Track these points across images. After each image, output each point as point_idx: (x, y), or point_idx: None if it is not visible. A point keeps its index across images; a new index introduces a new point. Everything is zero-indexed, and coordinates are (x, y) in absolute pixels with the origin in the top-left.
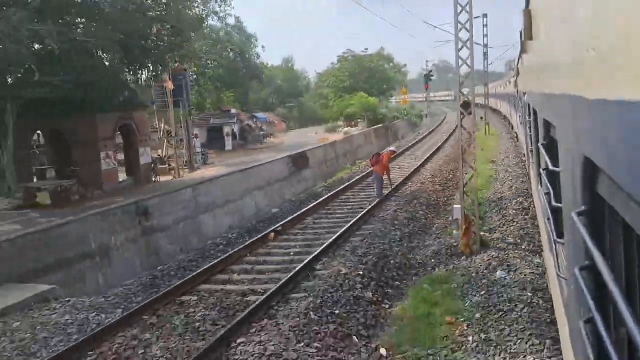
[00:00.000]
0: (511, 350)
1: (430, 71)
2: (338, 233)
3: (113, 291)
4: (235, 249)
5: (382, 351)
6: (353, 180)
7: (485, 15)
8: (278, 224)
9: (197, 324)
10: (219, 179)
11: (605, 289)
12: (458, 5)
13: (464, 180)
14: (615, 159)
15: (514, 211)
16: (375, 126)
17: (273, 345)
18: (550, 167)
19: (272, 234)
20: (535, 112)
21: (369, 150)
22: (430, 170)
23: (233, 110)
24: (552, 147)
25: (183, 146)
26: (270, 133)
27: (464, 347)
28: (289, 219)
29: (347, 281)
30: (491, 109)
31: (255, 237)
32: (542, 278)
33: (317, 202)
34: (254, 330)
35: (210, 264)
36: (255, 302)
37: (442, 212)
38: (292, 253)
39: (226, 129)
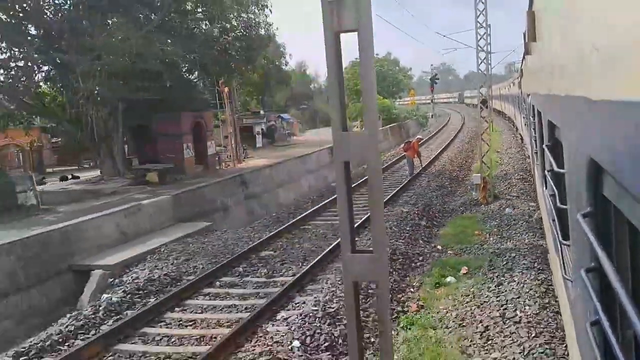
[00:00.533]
0: (515, 240)
1: (436, 75)
2: (391, 194)
3: (249, 226)
4: (320, 204)
5: (439, 247)
6: (384, 166)
7: (489, 26)
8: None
9: (318, 234)
10: (281, 164)
11: (611, 291)
12: (477, 23)
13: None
14: (620, 161)
15: (516, 180)
16: (389, 125)
17: (389, 224)
18: (555, 168)
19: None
20: (539, 114)
21: (387, 145)
22: (447, 158)
23: (261, 112)
24: (556, 149)
25: (231, 141)
26: (293, 132)
27: (487, 243)
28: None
29: (408, 216)
30: (496, 110)
31: (322, 203)
32: (535, 212)
33: (359, 181)
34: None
35: (305, 213)
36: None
37: (462, 183)
38: (361, 205)
39: (257, 129)
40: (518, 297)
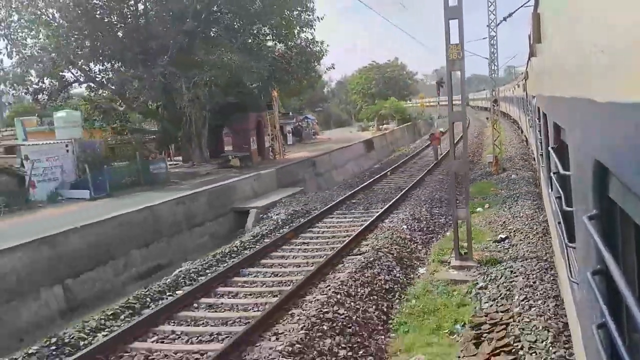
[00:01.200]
0: (518, 190)
1: (442, 79)
2: (428, 169)
3: (329, 190)
4: (373, 179)
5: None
6: (410, 155)
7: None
8: (385, 171)
9: (383, 192)
10: (328, 154)
11: (618, 293)
12: (491, 36)
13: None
14: (626, 162)
15: (518, 160)
16: (405, 124)
17: (436, 186)
18: (561, 170)
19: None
20: (544, 116)
21: (405, 141)
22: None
23: (290, 113)
24: (562, 151)
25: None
26: (316, 132)
27: (500, 194)
28: (387, 170)
29: (444, 180)
30: (500, 112)
31: (374, 178)
32: (532, 176)
33: (396, 164)
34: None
35: (365, 183)
36: (397, 194)
37: (477, 164)
38: (399, 183)
39: (287, 128)
40: (521, 210)
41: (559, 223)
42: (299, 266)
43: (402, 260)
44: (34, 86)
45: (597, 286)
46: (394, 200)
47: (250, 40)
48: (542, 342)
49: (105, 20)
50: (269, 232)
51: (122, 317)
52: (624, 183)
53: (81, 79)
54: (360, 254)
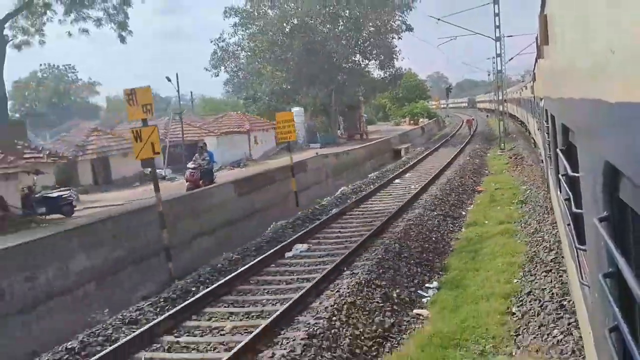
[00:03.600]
0: (524, 150)
1: (450, 85)
2: (469, 136)
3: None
4: (443, 140)
5: (488, 154)
6: (452, 133)
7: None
8: (447, 137)
9: (455, 144)
10: (406, 132)
11: (630, 296)
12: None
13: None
14: (637, 163)
15: (517, 136)
16: (432, 119)
17: (472, 152)
18: (570, 172)
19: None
20: (552, 117)
21: (434, 130)
22: (479, 135)
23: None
24: (571, 153)
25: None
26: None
27: (508, 155)
28: (447, 137)
29: (477, 147)
30: (509, 115)
31: (443, 140)
32: (529, 148)
33: (444, 140)
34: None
35: (442, 142)
36: (465, 140)
37: (492, 143)
38: (459, 139)
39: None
40: (524, 156)
41: (569, 225)
42: (427, 171)
43: (480, 158)
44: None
45: (609, 289)
46: (464, 143)
47: (362, 66)
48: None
49: (319, 57)
50: (413, 157)
51: None
52: (635, 184)
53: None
54: (456, 163)
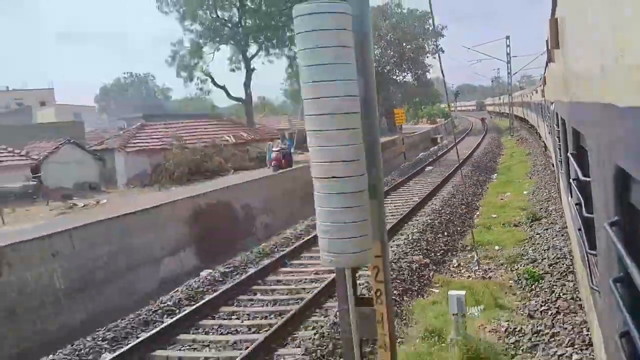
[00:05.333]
0: (525, 135)
1: (458, 90)
2: (484, 131)
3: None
4: (466, 132)
5: (502, 139)
6: (467, 132)
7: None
8: (467, 131)
9: (476, 134)
10: (436, 127)
11: None
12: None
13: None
14: None
15: (519, 128)
16: (448, 119)
17: (491, 139)
18: (581, 177)
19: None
20: (563, 121)
21: (450, 128)
22: (490, 130)
23: None
24: (581, 157)
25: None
26: None
27: (515, 139)
28: (467, 130)
29: (495, 136)
30: (518, 117)
31: (466, 132)
32: (531, 135)
33: (465, 133)
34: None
35: (466, 133)
36: (481, 135)
37: (503, 133)
38: (476, 132)
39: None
40: (527, 139)
41: (579, 230)
42: (467, 147)
43: (497, 141)
44: None
45: (620, 294)
46: (483, 133)
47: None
48: None
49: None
50: (448, 143)
51: None
52: None
53: None
54: (483, 143)
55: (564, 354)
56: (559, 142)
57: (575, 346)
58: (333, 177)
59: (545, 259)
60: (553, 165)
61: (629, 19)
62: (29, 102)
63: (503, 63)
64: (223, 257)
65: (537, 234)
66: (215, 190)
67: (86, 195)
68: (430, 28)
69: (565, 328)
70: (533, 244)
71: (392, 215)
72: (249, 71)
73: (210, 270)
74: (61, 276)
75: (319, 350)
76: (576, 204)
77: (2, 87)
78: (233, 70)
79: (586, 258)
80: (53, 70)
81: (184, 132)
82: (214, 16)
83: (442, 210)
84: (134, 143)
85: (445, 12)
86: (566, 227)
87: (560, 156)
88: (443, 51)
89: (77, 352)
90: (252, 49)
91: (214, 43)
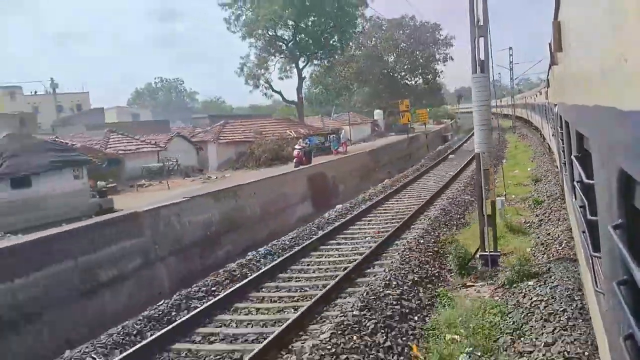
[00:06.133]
0: (525, 130)
1: (461, 96)
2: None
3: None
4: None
5: (506, 136)
6: (474, 130)
7: (511, 57)
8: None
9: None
10: (445, 126)
11: None
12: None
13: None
14: None
15: (521, 127)
16: (453, 120)
17: (496, 138)
18: (585, 179)
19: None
20: (567, 124)
21: (455, 128)
22: (496, 129)
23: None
24: (585, 159)
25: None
26: None
27: (519, 133)
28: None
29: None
30: (522, 119)
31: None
32: (532, 133)
33: (472, 132)
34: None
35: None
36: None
37: (507, 131)
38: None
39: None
40: (527, 135)
41: (583, 232)
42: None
43: (501, 137)
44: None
45: (624, 296)
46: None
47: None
48: None
49: (389, 78)
50: (458, 140)
51: None
52: None
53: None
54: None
55: (554, 229)
56: (563, 144)
57: (558, 225)
58: None
59: (543, 195)
60: (557, 167)
61: (632, 22)
62: (66, 105)
63: (504, 68)
64: (326, 208)
65: (538, 187)
66: (311, 166)
67: (197, 174)
68: (441, 38)
69: (554, 218)
70: (536, 190)
71: (443, 178)
72: (300, 78)
73: (341, 205)
74: (257, 206)
75: (425, 235)
76: (580, 207)
77: (39, 89)
78: (281, 78)
79: (590, 260)
80: (55, 71)
81: (259, 128)
82: (272, 34)
83: (466, 189)
84: (223, 137)
85: (453, 21)
86: (557, 181)
87: (564, 158)
88: (452, 59)
89: (280, 243)
90: (301, 60)
91: (274, 56)
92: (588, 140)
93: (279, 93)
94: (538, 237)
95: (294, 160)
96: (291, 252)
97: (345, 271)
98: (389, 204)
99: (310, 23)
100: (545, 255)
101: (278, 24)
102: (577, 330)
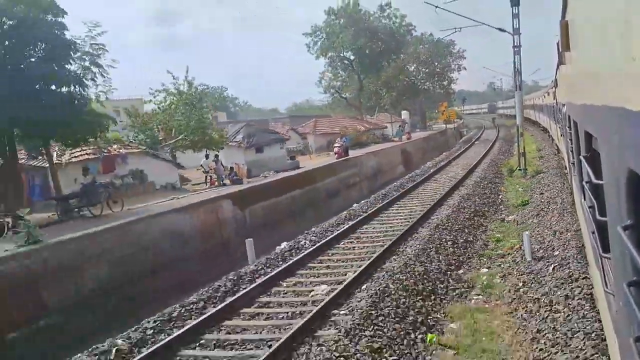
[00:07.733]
0: (534, 128)
1: (464, 97)
2: (498, 130)
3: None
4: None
5: (512, 130)
6: (483, 129)
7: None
8: (483, 129)
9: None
10: (456, 126)
11: None
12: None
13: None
14: None
15: (527, 126)
16: (461, 120)
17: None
18: (593, 179)
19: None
20: (575, 124)
21: (465, 126)
22: (503, 127)
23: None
24: (594, 160)
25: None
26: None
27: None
28: (485, 128)
29: (504, 130)
30: (530, 120)
31: (483, 129)
32: (535, 130)
33: (482, 131)
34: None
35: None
36: (495, 137)
37: (513, 128)
38: (492, 128)
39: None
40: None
41: (593, 233)
42: (488, 137)
43: (509, 134)
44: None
45: (634, 297)
46: (498, 130)
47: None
48: None
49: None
50: (472, 136)
51: None
52: None
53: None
54: (500, 135)
55: (550, 163)
56: (571, 144)
57: (551, 160)
58: None
59: (546, 166)
60: (566, 168)
61: (638, 21)
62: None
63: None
64: (410, 170)
65: (542, 161)
66: (401, 144)
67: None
68: (454, 51)
69: (550, 159)
70: (542, 163)
71: (480, 152)
72: (362, 89)
73: (430, 162)
74: (383, 164)
75: (487, 168)
76: (589, 207)
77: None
78: (342, 87)
79: (600, 261)
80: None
81: (341, 124)
82: (341, 55)
83: (498, 155)
84: (318, 129)
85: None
86: (557, 152)
87: (573, 158)
88: (465, 69)
89: (393, 186)
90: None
91: (342, 72)
92: (597, 141)
93: (345, 99)
94: (542, 165)
95: (335, 155)
96: (404, 190)
97: (445, 191)
98: (451, 166)
99: (365, 47)
100: (545, 167)
101: (345, 49)
102: (557, 186)
